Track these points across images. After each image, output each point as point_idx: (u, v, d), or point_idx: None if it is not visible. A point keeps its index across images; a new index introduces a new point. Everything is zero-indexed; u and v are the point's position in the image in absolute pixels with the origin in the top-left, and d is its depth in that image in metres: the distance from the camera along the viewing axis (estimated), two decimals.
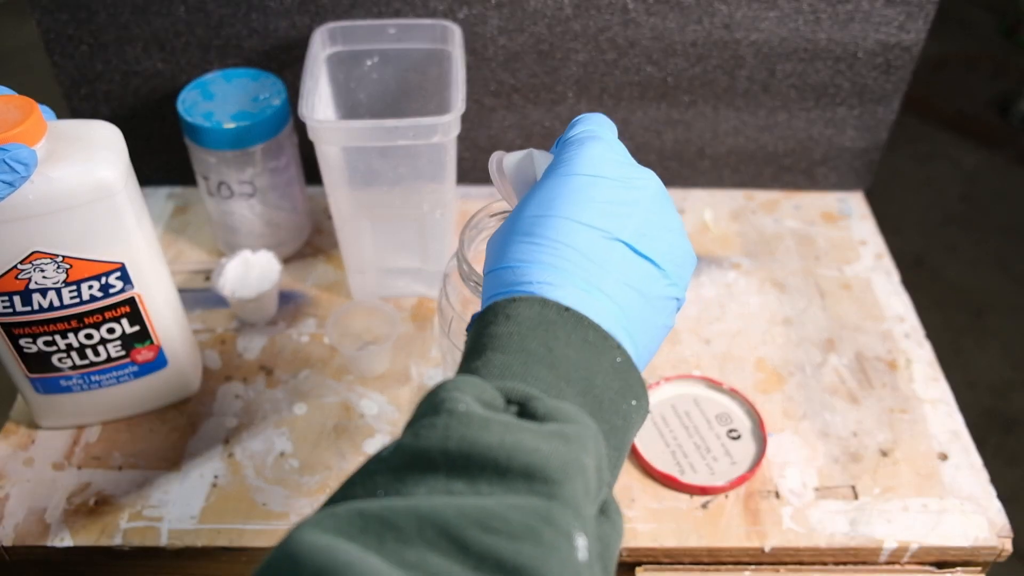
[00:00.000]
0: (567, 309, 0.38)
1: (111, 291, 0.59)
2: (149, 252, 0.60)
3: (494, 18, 0.77)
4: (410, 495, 0.30)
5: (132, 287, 0.59)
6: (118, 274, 0.58)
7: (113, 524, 0.61)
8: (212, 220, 0.79)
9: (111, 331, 0.61)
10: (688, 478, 0.63)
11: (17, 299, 0.57)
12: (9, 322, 0.58)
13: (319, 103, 0.69)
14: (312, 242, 0.83)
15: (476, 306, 0.58)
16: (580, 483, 0.32)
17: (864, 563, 0.62)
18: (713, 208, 0.88)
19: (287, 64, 0.79)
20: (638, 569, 0.61)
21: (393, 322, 0.72)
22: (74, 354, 0.61)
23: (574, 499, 0.31)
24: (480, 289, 0.56)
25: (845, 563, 0.62)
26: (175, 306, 0.66)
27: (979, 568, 0.62)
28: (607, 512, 0.35)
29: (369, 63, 0.75)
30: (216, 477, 0.64)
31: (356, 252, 0.74)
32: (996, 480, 0.65)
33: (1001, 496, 0.64)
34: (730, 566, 0.61)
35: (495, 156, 0.47)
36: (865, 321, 0.76)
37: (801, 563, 0.61)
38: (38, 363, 0.61)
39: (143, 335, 0.63)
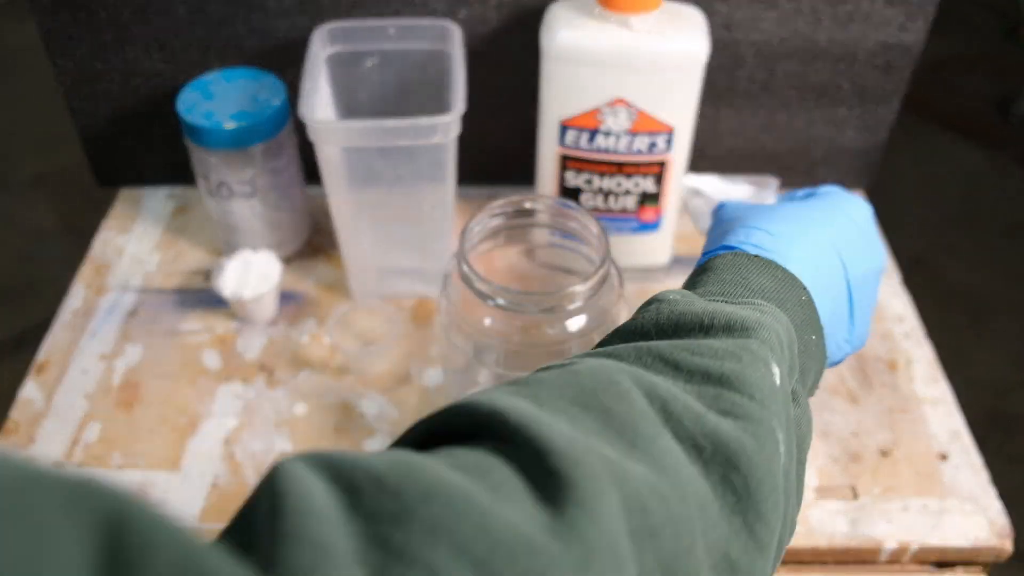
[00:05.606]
0: (756, 256, 0.44)
1: (654, 150, 0.69)
2: (689, 127, 0.69)
3: (494, 18, 0.77)
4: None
5: (670, 151, 0.69)
6: (666, 137, 0.68)
7: None
8: (212, 220, 0.79)
9: (636, 185, 0.71)
10: None
11: (585, 136, 0.69)
12: (568, 154, 0.70)
13: (319, 103, 0.69)
14: (312, 242, 0.83)
15: (476, 306, 0.58)
16: (774, 336, 0.38)
17: (864, 563, 0.62)
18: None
19: (287, 64, 0.79)
20: None
21: (393, 322, 0.72)
22: (599, 197, 0.72)
23: (769, 342, 0.37)
24: (479, 288, 0.56)
25: (845, 563, 0.62)
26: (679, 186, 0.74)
27: (979, 568, 0.62)
28: (798, 400, 0.39)
29: (369, 63, 0.75)
30: (216, 477, 0.64)
31: (356, 252, 0.74)
32: (996, 480, 0.65)
33: (1001, 496, 0.64)
34: None
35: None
36: None
37: (801, 563, 0.61)
38: (571, 197, 0.73)
39: (655, 197, 0.72)
